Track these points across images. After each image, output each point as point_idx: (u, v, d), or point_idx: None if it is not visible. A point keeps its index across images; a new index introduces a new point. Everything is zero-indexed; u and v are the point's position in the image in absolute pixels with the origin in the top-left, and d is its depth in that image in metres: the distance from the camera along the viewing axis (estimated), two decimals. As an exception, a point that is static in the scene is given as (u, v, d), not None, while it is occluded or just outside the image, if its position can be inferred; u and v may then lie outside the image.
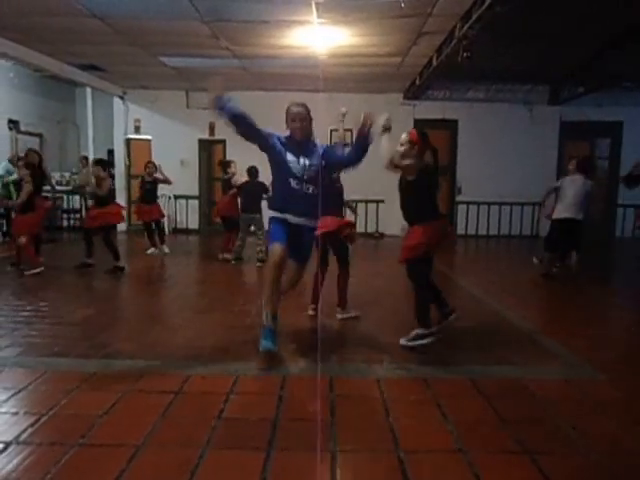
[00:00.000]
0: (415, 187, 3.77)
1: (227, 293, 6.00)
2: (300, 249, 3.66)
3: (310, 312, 4.60)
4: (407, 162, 3.72)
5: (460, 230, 11.34)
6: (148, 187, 8.29)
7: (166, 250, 8.41)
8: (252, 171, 7.28)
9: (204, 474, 2.18)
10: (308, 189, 3.56)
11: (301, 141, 3.60)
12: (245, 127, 3.51)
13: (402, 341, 3.83)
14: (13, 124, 10.05)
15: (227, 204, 7.93)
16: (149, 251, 8.37)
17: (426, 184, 3.81)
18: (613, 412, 2.86)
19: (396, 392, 3.04)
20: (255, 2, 5.72)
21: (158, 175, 8.28)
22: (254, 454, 2.33)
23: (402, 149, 3.75)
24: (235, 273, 7.56)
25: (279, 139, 3.65)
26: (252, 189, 7.23)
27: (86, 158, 11.63)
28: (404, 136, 3.81)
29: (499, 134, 10.48)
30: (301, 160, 3.55)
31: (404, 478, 2.18)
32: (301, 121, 3.56)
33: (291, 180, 3.54)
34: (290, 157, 3.56)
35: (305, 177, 3.54)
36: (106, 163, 7.47)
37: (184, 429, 2.56)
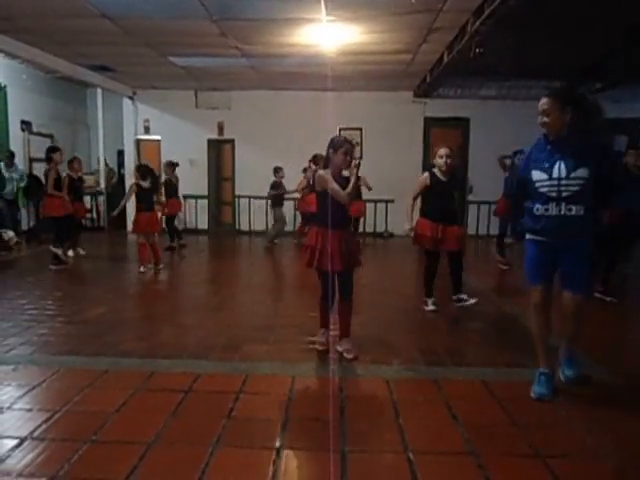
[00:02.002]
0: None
1: (236, 293, 6.03)
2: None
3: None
4: None
5: (471, 230, 11.26)
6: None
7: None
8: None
9: (214, 472, 2.20)
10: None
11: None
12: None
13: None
14: (25, 125, 10.15)
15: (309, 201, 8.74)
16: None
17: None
18: (630, 416, 2.82)
19: (406, 393, 3.03)
20: (264, 0, 5.72)
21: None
22: (263, 453, 2.34)
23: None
24: (244, 273, 7.60)
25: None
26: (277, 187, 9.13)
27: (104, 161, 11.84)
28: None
29: (512, 132, 10.29)
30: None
31: (413, 479, 2.17)
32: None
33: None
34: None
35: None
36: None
37: (194, 427, 2.58)
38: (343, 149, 3.52)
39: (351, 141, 3.65)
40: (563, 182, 2.83)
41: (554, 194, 2.86)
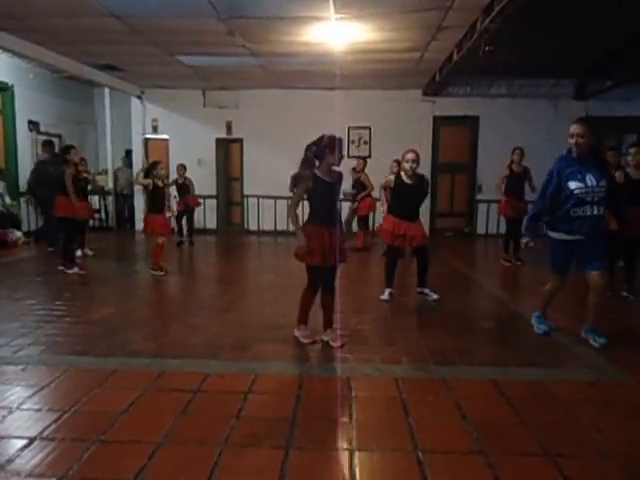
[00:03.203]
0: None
1: (245, 292, 6.03)
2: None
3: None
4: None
5: (480, 229, 11.20)
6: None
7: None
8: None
9: (223, 472, 2.19)
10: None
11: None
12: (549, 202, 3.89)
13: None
14: (33, 125, 10.19)
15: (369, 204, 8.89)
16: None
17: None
18: (641, 415, 2.79)
19: (415, 392, 3.01)
20: (272, -2, 5.70)
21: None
22: (272, 452, 2.33)
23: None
24: (252, 272, 7.60)
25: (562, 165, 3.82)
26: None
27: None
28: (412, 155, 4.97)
29: (522, 131, 10.24)
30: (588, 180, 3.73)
31: (423, 479, 2.16)
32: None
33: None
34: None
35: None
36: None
37: (203, 427, 2.57)
38: (338, 148, 3.65)
39: (341, 138, 3.76)
40: (596, 189, 3.68)
41: (589, 198, 3.68)
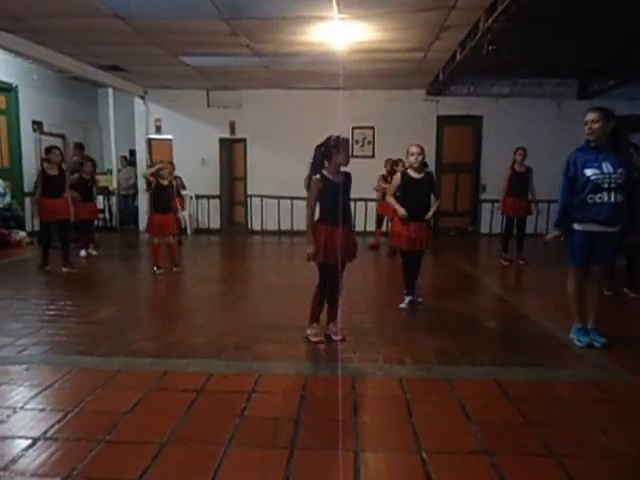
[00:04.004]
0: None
1: (248, 292, 6.03)
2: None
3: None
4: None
5: (484, 229, 11.17)
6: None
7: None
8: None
9: (227, 472, 2.19)
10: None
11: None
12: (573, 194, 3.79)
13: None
14: (37, 125, 10.21)
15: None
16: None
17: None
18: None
19: (419, 392, 3.01)
20: (275, -2, 5.70)
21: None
22: (277, 452, 2.33)
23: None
24: (255, 272, 7.60)
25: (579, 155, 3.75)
26: None
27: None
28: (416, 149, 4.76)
29: (525, 130, 10.22)
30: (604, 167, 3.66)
31: (427, 479, 2.15)
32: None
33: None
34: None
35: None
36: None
37: (207, 427, 2.57)
38: (345, 148, 3.74)
39: (347, 138, 3.85)
40: (613, 176, 3.61)
41: (606, 185, 3.61)
